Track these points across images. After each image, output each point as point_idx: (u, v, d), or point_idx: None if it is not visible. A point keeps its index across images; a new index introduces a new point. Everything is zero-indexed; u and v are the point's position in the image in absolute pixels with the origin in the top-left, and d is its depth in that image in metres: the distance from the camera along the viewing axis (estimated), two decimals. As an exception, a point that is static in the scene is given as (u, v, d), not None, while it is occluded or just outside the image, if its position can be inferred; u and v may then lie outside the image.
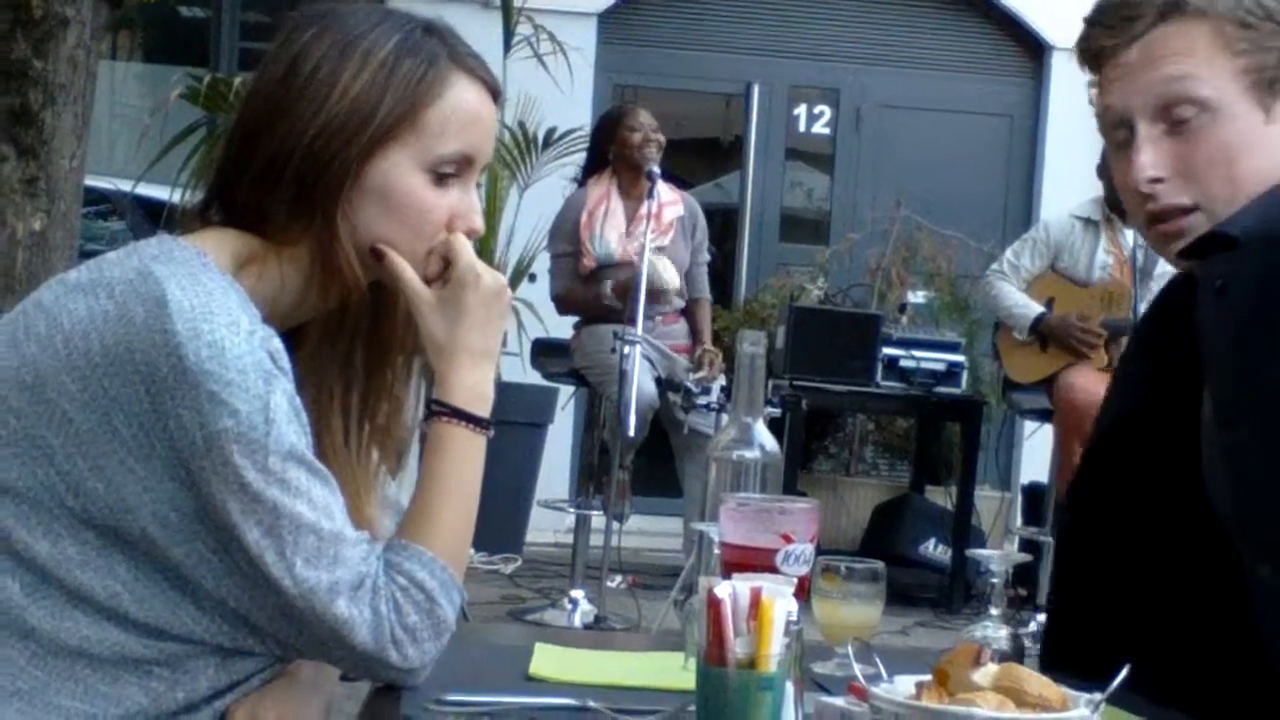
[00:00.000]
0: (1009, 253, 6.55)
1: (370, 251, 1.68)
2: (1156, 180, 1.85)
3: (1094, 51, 1.92)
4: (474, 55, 1.74)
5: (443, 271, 1.72)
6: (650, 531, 7.28)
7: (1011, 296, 6.39)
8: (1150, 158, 1.85)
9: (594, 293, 6.09)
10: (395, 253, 1.69)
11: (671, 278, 5.95)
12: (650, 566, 6.99)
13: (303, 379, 1.66)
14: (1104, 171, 6.35)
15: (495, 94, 1.76)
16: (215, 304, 1.53)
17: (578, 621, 5.89)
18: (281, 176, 1.64)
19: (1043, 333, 6.29)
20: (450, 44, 1.72)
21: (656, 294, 5.81)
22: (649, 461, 6.41)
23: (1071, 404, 6.13)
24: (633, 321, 5.55)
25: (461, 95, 1.70)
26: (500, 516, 6.96)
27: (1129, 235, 6.21)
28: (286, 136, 1.64)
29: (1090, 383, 6.12)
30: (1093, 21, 1.92)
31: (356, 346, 1.75)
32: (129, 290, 1.54)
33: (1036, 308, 6.33)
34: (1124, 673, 1.51)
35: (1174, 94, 1.83)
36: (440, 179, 1.70)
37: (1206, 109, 1.82)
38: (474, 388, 1.74)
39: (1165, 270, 6.24)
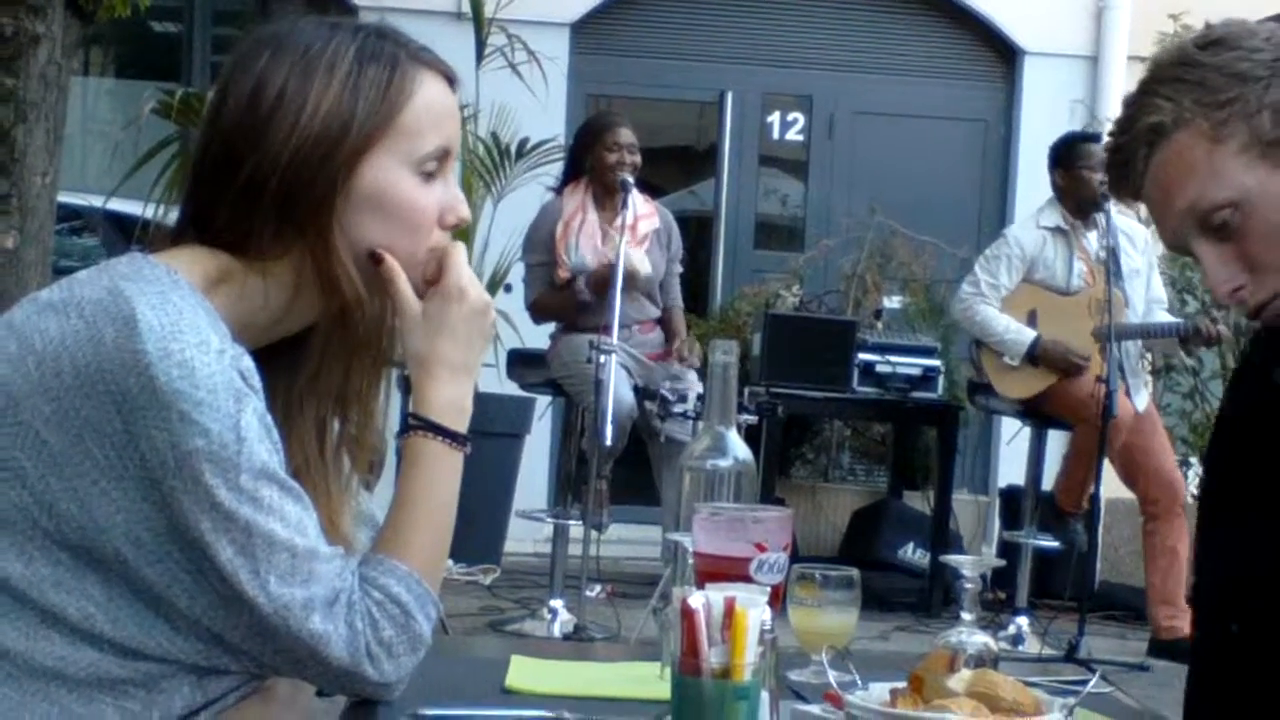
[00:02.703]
0: (982, 273, 6.42)
1: (369, 256, 1.69)
2: (1236, 290, 1.81)
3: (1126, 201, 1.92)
4: (427, 49, 1.75)
5: (438, 276, 1.73)
6: (629, 540, 7.28)
7: (998, 321, 6.31)
8: (1218, 272, 1.81)
9: (568, 294, 6.10)
10: (392, 257, 1.69)
11: (643, 263, 5.96)
12: (629, 575, 6.99)
13: (274, 395, 1.66)
14: (1056, 162, 6.31)
15: (453, 82, 1.77)
16: (185, 323, 1.53)
17: (557, 631, 5.89)
18: (260, 198, 1.64)
19: (1038, 359, 6.25)
20: (405, 43, 1.73)
21: (629, 277, 5.80)
22: (627, 470, 6.40)
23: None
24: (609, 330, 5.56)
25: (429, 91, 1.71)
26: (478, 527, 6.96)
27: (1091, 239, 6.22)
28: (262, 160, 1.63)
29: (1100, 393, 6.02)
30: (1104, 180, 1.91)
31: (329, 359, 1.74)
32: (99, 310, 1.54)
33: (1029, 333, 6.27)
34: (1095, 677, 1.51)
35: (1199, 211, 1.78)
36: (426, 176, 1.71)
37: (1235, 206, 1.77)
38: (452, 402, 1.74)
39: (1131, 268, 6.29)
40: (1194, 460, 7.60)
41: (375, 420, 1.80)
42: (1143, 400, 6.32)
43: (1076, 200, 6.25)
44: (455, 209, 1.74)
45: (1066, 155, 6.33)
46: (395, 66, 1.69)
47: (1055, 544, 6.42)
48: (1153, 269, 6.47)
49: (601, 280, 5.94)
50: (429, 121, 1.71)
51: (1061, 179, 6.33)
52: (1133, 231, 6.44)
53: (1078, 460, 6.35)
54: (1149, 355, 6.51)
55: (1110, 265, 6.02)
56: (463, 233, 1.84)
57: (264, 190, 1.64)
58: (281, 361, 1.72)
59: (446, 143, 1.73)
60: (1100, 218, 6.13)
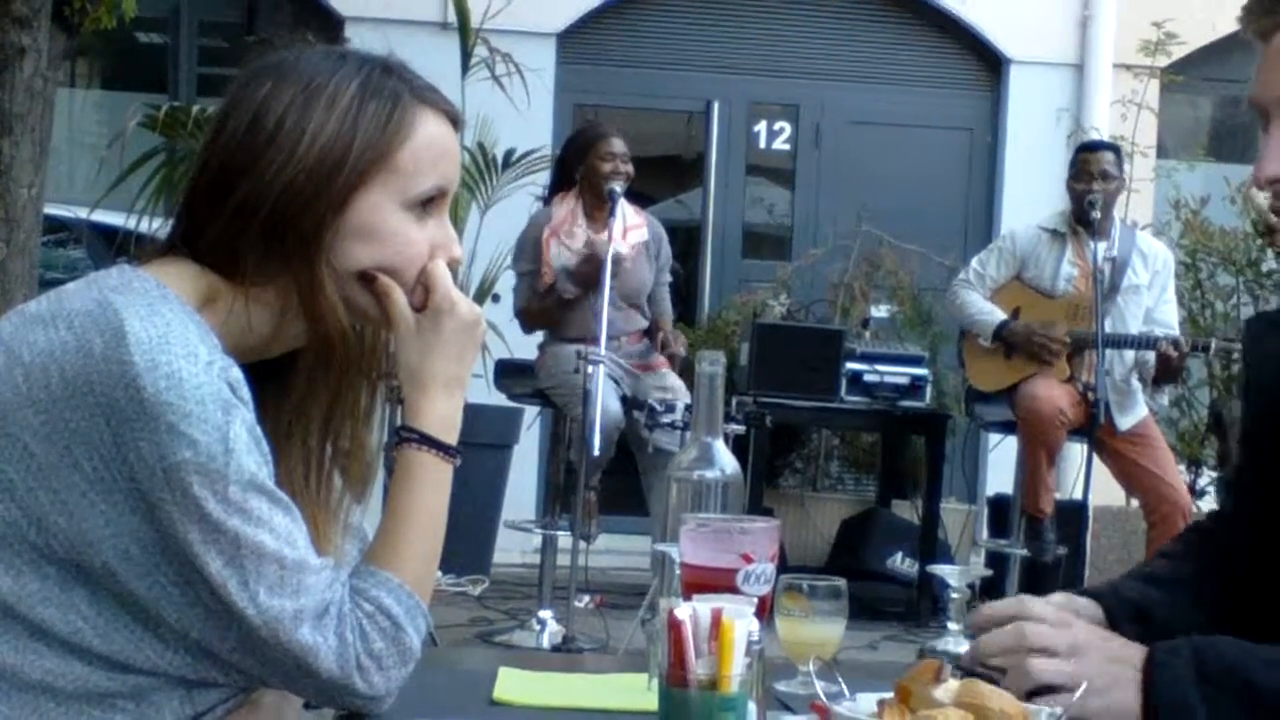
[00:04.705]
0: (975, 261, 6.62)
1: (360, 276, 1.69)
2: (1276, 180, 1.72)
3: (1251, 34, 1.74)
4: (432, 88, 1.75)
5: (424, 303, 1.73)
6: (618, 550, 7.27)
7: (976, 303, 6.45)
8: (1276, 156, 1.71)
9: (553, 296, 6.09)
10: (386, 276, 1.70)
11: (622, 245, 5.95)
12: (618, 586, 6.98)
13: (264, 408, 1.65)
14: (1072, 185, 6.40)
15: (456, 121, 1.77)
16: (173, 335, 1.54)
17: (546, 642, 5.88)
18: (250, 224, 1.64)
19: (1006, 340, 6.34)
20: (409, 80, 1.73)
21: (613, 262, 5.79)
22: (616, 480, 6.39)
23: (1035, 414, 6.19)
24: (596, 341, 5.56)
25: (429, 131, 1.71)
26: (467, 538, 6.95)
27: (1100, 249, 6.25)
28: (255, 187, 1.64)
29: (1053, 393, 6.17)
30: (1247, 6, 1.74)
31: (315, 387, 1.74)
32: (88, 322, 1.54)
33: (1000, 314, 6.39)
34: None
35: None
36: (420, 214, 1.71)
37: None
38: (444, 416, 1.75)
39: (1132, 284, 6.34)
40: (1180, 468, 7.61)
41: (368, 444, 1.80)
42: (1131, 417, 6.34)
43: (1075, 207, 6.35)
44: (447, 248, 1.75)
45: (1071, 162, 6.47)
46: (396, 104, 1.69)
47: (1024, 551, 6.45)
48: (1164, 292, 6.50)
49: (583, 273, 5.93)
50: (426, 161, 1.71)
51: (1067, 185, 6.45)
52: (1149, 249, 6.51)
53: (1025, 461, 6.41)
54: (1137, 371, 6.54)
55: (1098, 275, 6.07)
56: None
57: (254, 217, 1.64)
58: (271, 384, 1.72)
59: (443, 182, 1.73)
60: (1114, 228, 6.23)
